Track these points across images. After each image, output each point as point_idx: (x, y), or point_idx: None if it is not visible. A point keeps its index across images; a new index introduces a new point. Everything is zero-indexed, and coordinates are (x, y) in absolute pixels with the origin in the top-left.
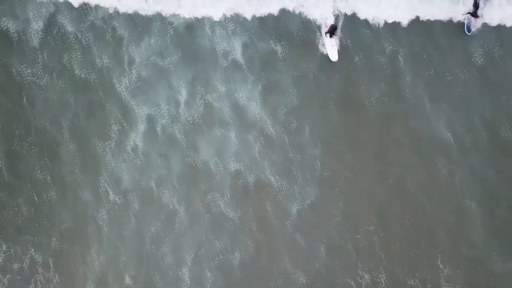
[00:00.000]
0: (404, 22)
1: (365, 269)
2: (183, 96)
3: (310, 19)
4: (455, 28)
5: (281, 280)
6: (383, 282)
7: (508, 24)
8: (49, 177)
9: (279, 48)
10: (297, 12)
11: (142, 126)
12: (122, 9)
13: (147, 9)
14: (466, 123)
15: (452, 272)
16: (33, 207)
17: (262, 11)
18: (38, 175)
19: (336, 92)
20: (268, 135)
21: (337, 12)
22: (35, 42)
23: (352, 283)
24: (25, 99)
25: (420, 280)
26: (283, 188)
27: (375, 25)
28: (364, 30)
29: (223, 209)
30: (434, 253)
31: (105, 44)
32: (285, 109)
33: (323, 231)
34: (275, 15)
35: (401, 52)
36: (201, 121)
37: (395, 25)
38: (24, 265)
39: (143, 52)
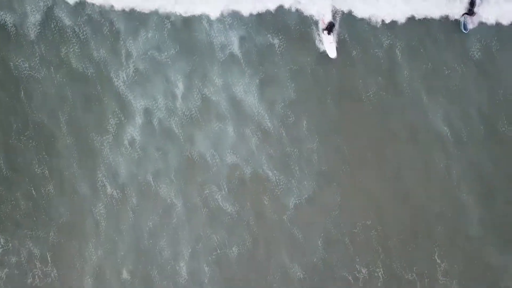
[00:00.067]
0: (402, 19)
1: (363, 264)
2: (180, 89)
3: (307, 15)
4: (453, 26)
5: (279, 274)
6: (381, 276)
7: (504, 21)
8: (47, 171)
9: (276, 42)
10: (293, 9)
11: (139, 120)
12: (118, 7)
13: (144, 6)
14: (463, 117)
15: (449, 266)
16: (31, 201)
17: (259, 8)
18: (36, 169)
19: (333, 86)
20: (266, 129)
21: (334, 9)
22: (32, 35)
23: (350, 277)
24: (22, 93)
25: (417, 274)
26: (281, 182)
27: (373, 21)
28: (362, 26)
29: (221, 204)
30: (431, 247)
31: (103, 37)
32: (282, 103)
33: (320, 225)
34: (272, 12)
35: (399, 46)
36: (198, 115)
37: (392, 22)
38: (22, 259)
39: (141, 46)
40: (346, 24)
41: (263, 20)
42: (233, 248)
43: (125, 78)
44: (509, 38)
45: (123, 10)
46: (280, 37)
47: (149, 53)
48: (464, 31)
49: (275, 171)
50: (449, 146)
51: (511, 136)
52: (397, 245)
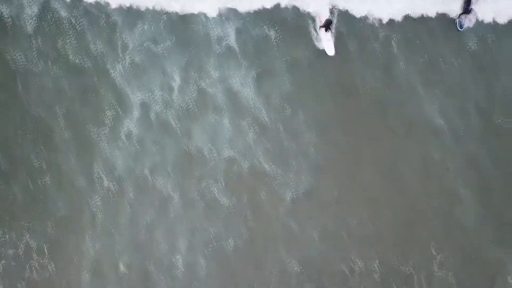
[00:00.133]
0: (398, 17)
1: (359, 256)
2: (176, 82)
3: (304, 11)
4: (449, 23)
5: (275, 267)
6: (377, 269)
7: (500, 20)
8: (44, 164)
9: (273, 34)
10: (290, 7)
11: (136, 112)
12: (114, 3)
13: (140, 4)
14: (460, 109)
15: (445, 259)
16: (28, 193)
17: (256, 6)
18: (34, 162)
19: (330, 79)
20: (262, 122)
21: (331, 6)
22: (29, 28)
23: (346, 271)
24: (20, 86)
25: (413, 267)
26: (278, 176)
27: (370, 18)
28: (358, 23)
29: (218, 197)
30: (428, 240)
31: (99, 29)
32: (279, 96)
33: (317, 218)
34: (269, 9)
35: (395, 39)
36: (195, 107)
37: (390, 20)
38: (19, 251)
39: (137, 38)
40: (343, 20)
41: (259, 12)
42: (230, 241)
43: (122, 70)
44: (506, 32)
45: (120, 6)
46: (277, 29)
47: (145, 45)
48: (459, 29)
49: (272, 165)
50: (445, 139)
51: (507, 128)
52: (393, 238)
